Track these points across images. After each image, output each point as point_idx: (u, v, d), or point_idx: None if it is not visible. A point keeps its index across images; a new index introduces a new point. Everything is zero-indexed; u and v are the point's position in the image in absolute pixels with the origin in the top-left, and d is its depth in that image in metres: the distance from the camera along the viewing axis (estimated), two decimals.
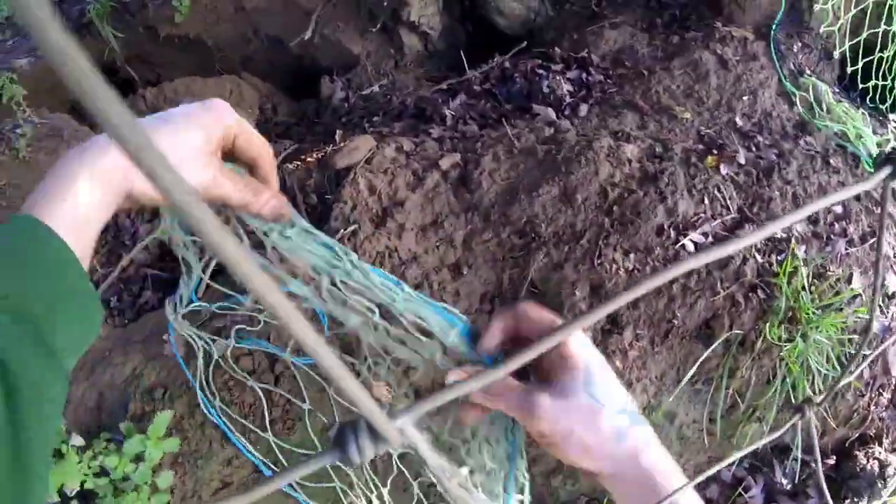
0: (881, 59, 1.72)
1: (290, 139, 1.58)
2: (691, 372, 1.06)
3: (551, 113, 1.32)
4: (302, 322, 0.17)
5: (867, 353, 1.22)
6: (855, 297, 1.23)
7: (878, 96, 1.78)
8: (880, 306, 1.29)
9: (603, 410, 0.52)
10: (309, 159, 1.42)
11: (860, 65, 1.67)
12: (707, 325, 1.10)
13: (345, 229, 1.24)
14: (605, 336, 1.08)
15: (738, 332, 1.10)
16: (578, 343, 0.51)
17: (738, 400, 1.14)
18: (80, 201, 0.47)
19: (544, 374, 0.52)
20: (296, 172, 1.41)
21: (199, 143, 0.53)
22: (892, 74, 1.75)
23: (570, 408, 0.52)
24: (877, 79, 1.72)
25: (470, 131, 1.34)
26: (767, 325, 1.10)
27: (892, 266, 1.31)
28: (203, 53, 1.86)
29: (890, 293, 1.30)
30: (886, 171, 0.38)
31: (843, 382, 0.92)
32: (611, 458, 0.52)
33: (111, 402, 1.33)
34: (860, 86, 1.72)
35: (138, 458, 1.17)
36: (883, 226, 0.41)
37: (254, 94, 1.74)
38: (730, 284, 1.10)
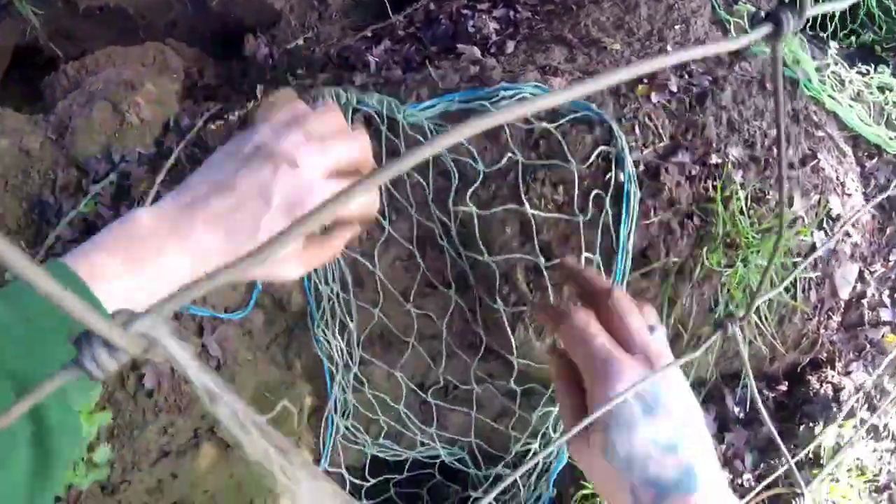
0: None
1: (215, 101, 1.51)
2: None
3: (476, 52, 1.27)
4: None
5: (811, 275, 1.20)
6: (796, 219, 1.20)
7: (818, 24, 1.75)
8: (825, 229, 1.26)
9: (619, 478, 0.49)
10: (231, 118, 1.36)
11: None
12: (643, 254, 1.06)
13: None
14: (537, 272, 1.04)
15: (676, 259, 1.06)
16: (616, 381, 0.49)
17: (681, 329, 1.12)
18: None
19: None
20: (217, 132, 1.34)
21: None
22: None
23: (590, 461, 0.51)
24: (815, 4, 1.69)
25: (394, 76, 1.28)
26: (705, 251, 1.06)
27: (835, 188, 1.28)
28: (126, 22, 1.77)
29: (834, 215, 1.27)
30: (766, 28, 0.33)
31: (767, 296, 0.87)
32: None
33: None
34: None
35: None
36: (779, 91, 0.36)
37: (178, 60, 1.66)
38: (664, 212, 1.06)
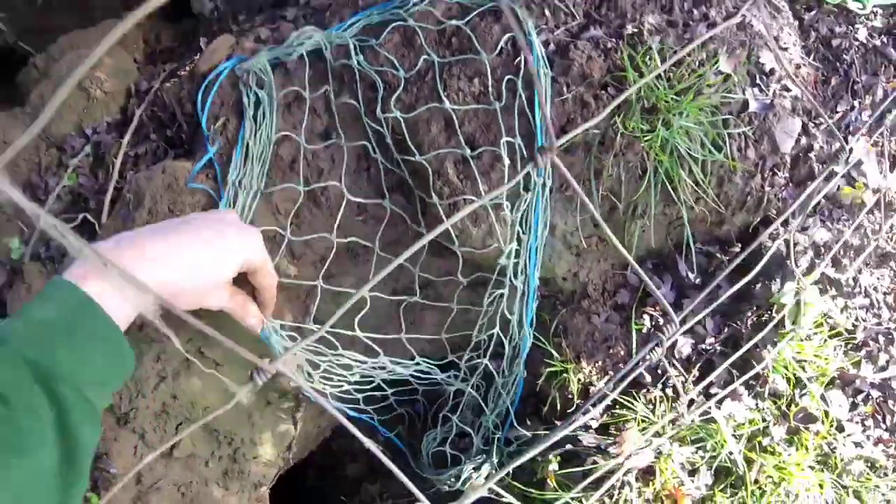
0: None
1: (173, 62, 1.59)
2: (549, 179, 1.08)
3: None
4: None
5: (745, 130, 1.22)
6: (725, 78, 1.21)
7: None
8: (759, 84, 1.27)
9: None
10: (182, 73, 1.43)
11: None
12: (563, 131, 1.10)
13: (215, 125, 1.26)
14: (465, 163, 1.10)
15: (595, 131, 1.10)
16: None
17: (615, 200, 1.16)
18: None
19: None
20: (172, 89, 1.42)
21: (227, 276, 0.78)
22: None
23: None
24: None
25: (320, 4, 1.33)
26: (622, 118, 1.10)
27: (766, 43, 1.28)
28: (83, 6, 1.86)
29: (767, 70, 1.28)
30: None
31: (585, 127, 0.91)
32: None
33: None
34: None
35: None
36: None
37: (136, 31, 1.73)
38: (576, 86, 1.10)
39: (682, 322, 1.28)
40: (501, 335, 1.20)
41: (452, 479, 1.32)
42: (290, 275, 1.24)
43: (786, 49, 1.33)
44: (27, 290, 1.49)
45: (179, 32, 1.67)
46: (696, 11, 1.24)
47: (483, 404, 1.31)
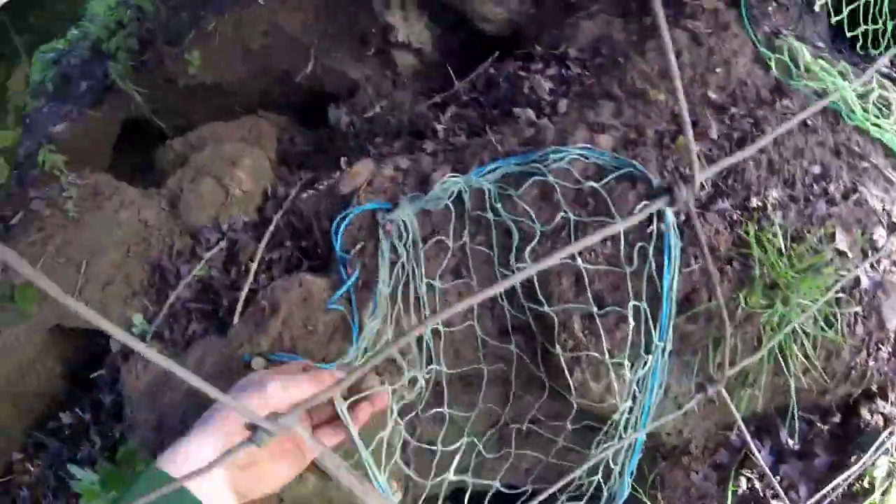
0: (867, 2, 1.70)
1: (307, 167, 1.73)
2: (668, 336, 1.14)
3: (531, 113, 1.41)
4: None
5: (857, 309, 1.27)
6: (840, 255, 1.27)
7: (869, 41, 1.77)
8: (872, 262, 1.32)
9: None
10: (320, 187, 1.56)
11: (845, 12, 1.66)
12: (687, 299, 1.17)
13: (353, 248, 1.37)
14: (591, 320, 1.17)
15: (717, 302, 1.16)
16: None
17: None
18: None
19: None
20: (309, 201, 1.55)
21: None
22: (881, 16, 1.73)
23: None
24: (864, 24, 1.71)
25: (459, 142, 1.44)
26: (745, 293, 1.16)
27: (880, 220, 1.34)
28: (221, 96, 2.03)
29: (879, 246, 1.33)
30: (661, 202, 0.47)
31: (739, 367, 0.98)
32: None
33: (171, 419, 1.52)
34: (848, 34, 1.72)
35: None
36: (673, 261, 0.50)
37: (271, 129, 1.89)
38: (703, 259, 1.17)
39: (780, 486, 1.32)
40: (602, 482, 1.24)
41: None
42: (406, 397, 1.32)
43: None
44: (144, 366, 1.61)
45: (314, 138, 1.81)
46: (816, 186, 1.30)
47: None
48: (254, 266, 1.49)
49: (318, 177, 1.56)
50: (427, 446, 1.36)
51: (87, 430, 1.92)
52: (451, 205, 1.28)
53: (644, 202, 1.19)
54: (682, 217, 1.22)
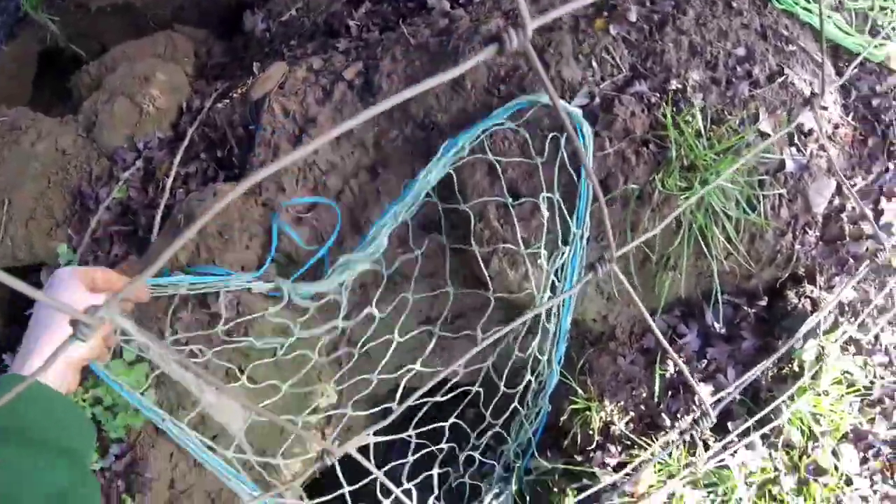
0: None
1: (224, 79, 1.64)
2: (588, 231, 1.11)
3: (445, 4, 1.34)
4: None
5: (782, 192, 1.24)
6: (763, 136, 1.23)
7: None
8: (796, 144, 1.30)
9: None
10: (234, 95, 1.49)
11: None
12: (602, 183, 1.14)
13: (265, 154, 1.31)
14: (506, 209, 1.14)
15: (634, 186, 1.13)
16: None
17: (649, 252, 1.19)
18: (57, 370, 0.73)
19: None
20: (224, 110, 1.48)
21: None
22: None
23: None
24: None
25: (372, 38, 1.37)
26: (661, 175, 1.13)
27: (806, 101, 1.30)
28: (136, 15, 1.92)
29: (806, 130, 1.30)
30: (492, 47, 0.42)
31: (633, 245, 0.93)
32: None
33: None
34: None
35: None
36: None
37: (187, 43, 1.79)
38: (619, 141, 1.13)
39: (706, 370, 1.32)
40: (529, 370, 1.24)
41: None
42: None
43: (825, 108, 1.35)
44: None
45: (230, 48, 1.72)
46: (739, 69, 1.26)
47: (506, 434, 1.35)
48: (169, 181, 1.42)
49: (233, 86, 1.48)
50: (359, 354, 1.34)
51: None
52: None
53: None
54: (598, 100, 1.17)
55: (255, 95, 1.38)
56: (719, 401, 1.14)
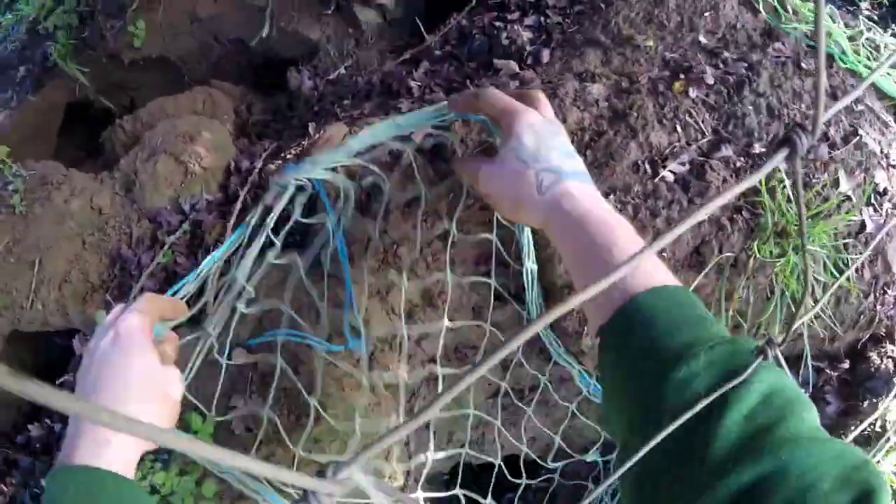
0: None
1: (268, 138, 1.60)
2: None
3: (513, 65, 1.31)
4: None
5: (866, 254, 1.22)
6: (844, 200, 1.22)
7: None
8: (873, 205, 1.28)
9: (527, 170, 0.69)
10: (288, 157, 1.44)
11: None
12: (697, 252, 1.11)
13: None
14: None
15: (729, 254, 1.10)
16: (521, 119, 0.73)
17: (741, 320, 1.16)
18: (120, 443, 0.63)
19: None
20: (276, 171, 1.42)
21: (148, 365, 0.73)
22: None
23: (500, 172, 0.72)
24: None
25: (437, 98, 1.34)
26: (756, 243, 1.10)
27: (879, 162, 1.30)
28: (170, 69, 1.87)
29: (881, 189, 1.29)
30: (782, 153, 0.38)
31: (802, 320, 0.91)
32: (537, 209, 0.67)
33: None
34: None
35: (182, 472, 1.24)
36: (800, 204, 0.42)
37: (226, 100, 1.75)
38: (713, 210, 1.10)
39: None
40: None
41: None
42: (401, 375, 1.23)
43: (895, 166, 1.34)
44: None
45: (272, 106, 1.68)
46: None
47: None
48: (224, 248, 1.36)
49: (282, 146, 1.43)
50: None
51: (58, 439, 1.77)
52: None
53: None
54: (687, 166, 1.15)
55: (315, 156, 1.33)
56: None
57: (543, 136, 0.71)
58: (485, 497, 1.30)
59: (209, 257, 1.08)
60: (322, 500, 0.29)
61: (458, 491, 1.31)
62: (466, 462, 1.32)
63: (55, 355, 1.82)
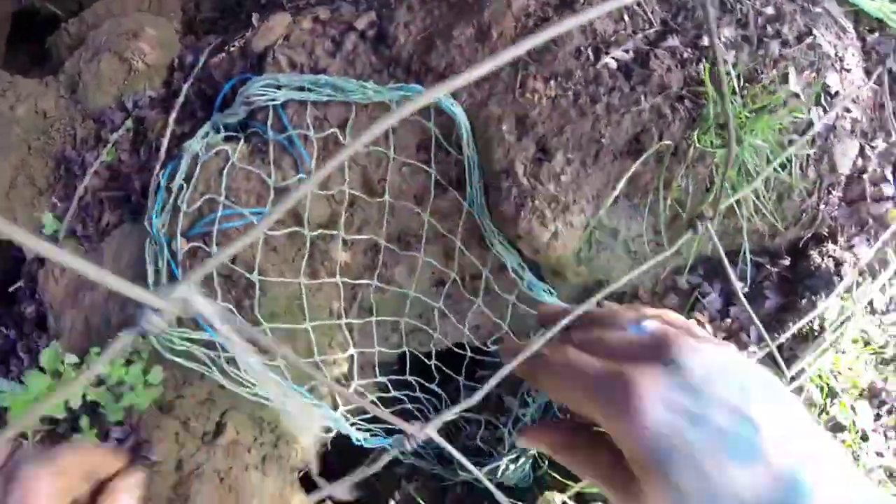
0: None
1: (215, 34, 1.55)
2: (621, 185, 1.07)
3: None
4: None
5: (810, 152, 1.22)
6: (792, 97, 1.21)
7: None
8: (822, 105, 1.27)
9: None
10: (232, 49, 1.40)
11: None
12: (636, 139, 1.09)
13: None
14: (537, 165, 1.08)
15: (669, 142, 1.09)
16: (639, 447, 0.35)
17: (680, 210, 1.15)
18: None
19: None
20: (221, 65, 1.38)
21: None
22: None
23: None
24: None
25: None
26: (697, 132, 1.09)
27: (833, 65, 1.28)
28: None
29: (832, 91, 1.28)
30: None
31: (732, 200, 0.90)
32: None
33: (96, 320, 1.38)
34: None
35: (129, 362, 1.23)
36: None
37: None
38: (654, 97, 1.08)
39: (729, 329, 1.30)
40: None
41: (487, 473, 1.32)
42: (343, 262, 1.22)
43: (849, 71, 1.32)
44: (61, 270, 1.46)
45: (219, 4, 1.62)
46: (769, 28, 1.23)
47: (526, 396, 1.31)
48: (165, 141, 1.33)
49: (228, 40, 1.39)
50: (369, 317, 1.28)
51: (13, 347, 1.76)
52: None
53: None
54: (631, 54, 1.13)
55: (256, 48, 1.29)
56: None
57: (694, 438, 0.34)
58: (431, 382, 1.32)
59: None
60: (150, 319, 0.27)
61: (408, 377, 1.32)
62: (416, 355, 1.33)
63: (6, 265, 1.79)
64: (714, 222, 0.53)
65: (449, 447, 0.53)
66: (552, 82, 1.08)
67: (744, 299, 0.88)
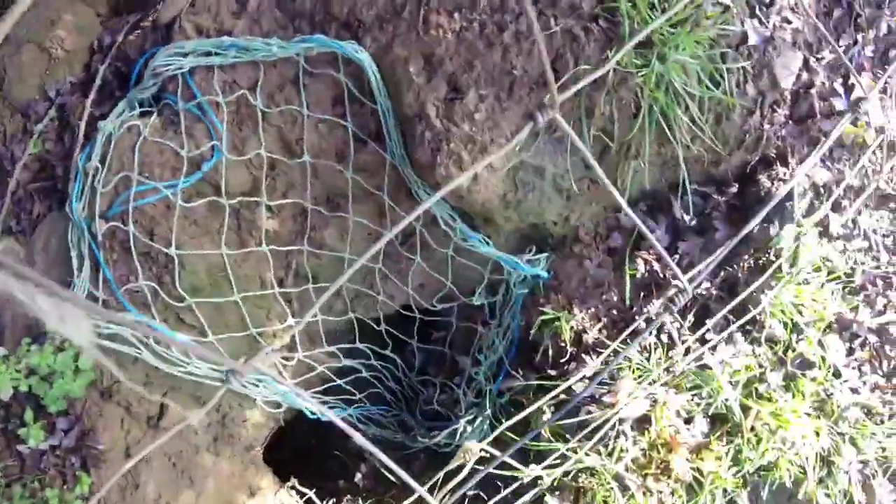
0: None
1: (134, 13, 1.51)
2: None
3: None
4: None
5: (744, 64, 1.15)
6: (725, 9, 1.14)
7: None
8: (758, 16, 1.20)
9: None
10: (145, 24, 1.35)
11: None
12: (553, 68, 1.04)
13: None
14: (449, 105, 1.03)
15: (586, 66, 1.03)
16: None
17: (607, 140, 1.10)
18: None
19: None
20: (135, 42, 1.34)
21: None
22: None
23: None
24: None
25: None
26: (614, 52, 1.03)
27: None
28: None
29: (768, 1, 1.21)
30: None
31: (588, 80, 0.82)
32: None
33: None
34: None
35: (59, 350, 1.21)
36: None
37: None
38: (565, 19, 1.03)
39: (679, 265, 1.24)
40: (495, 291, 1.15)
41: (447, 437, 1.29)
42: (271, 230, 1.18)
43: None
44: None
45: None
46: None
47: (478, 355, 1.28)
48: (82, 125, 1.29)
49: (143, 16, 1.35)
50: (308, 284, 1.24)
51: None
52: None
53: None
54: None
55: (164, 19, 1.25)
56: (692, 279, 1.05)
57: None
58: (385, 349, 1.28)
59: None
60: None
61: (359, 344, 1.29)
62: (365, 321, 1.30)
63: None
64: (556, 111, 0.47)
65: (288, 383, 0.49)
66: (456, 14, 1.03)
67: (656, 243, 0.83)
